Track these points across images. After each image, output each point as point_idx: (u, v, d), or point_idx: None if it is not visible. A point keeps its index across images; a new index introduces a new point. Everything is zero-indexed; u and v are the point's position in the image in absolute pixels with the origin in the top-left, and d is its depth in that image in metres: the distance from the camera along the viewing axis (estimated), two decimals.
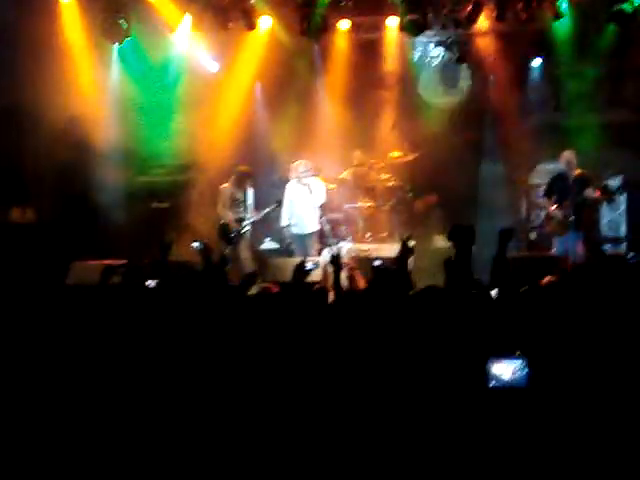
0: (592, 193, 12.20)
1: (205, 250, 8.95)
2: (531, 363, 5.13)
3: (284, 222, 13.29)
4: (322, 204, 13.32)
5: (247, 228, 12.95)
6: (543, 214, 12.98)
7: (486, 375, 5.13)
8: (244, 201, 12.98)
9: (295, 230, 13.26)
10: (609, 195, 12.51)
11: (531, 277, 6.91)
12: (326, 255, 12.15)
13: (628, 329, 5.50)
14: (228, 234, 12.73)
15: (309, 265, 7.31)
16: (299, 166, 13.21)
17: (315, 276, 8.80)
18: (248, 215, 12.93)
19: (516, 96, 14.29)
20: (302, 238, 13.20)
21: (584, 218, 12.42)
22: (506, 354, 5.17)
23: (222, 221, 12.85)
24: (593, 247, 12.35)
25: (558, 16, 13.24)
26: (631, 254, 8.49)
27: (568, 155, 12.45)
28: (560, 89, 14.05)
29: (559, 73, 14.03)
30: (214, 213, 12.98)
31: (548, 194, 12.60)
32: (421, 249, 12.58)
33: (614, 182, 12.99)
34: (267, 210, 12.98)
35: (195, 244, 11.10)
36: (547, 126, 14.09)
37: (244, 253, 12.86)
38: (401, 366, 5.36)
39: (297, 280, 7.11)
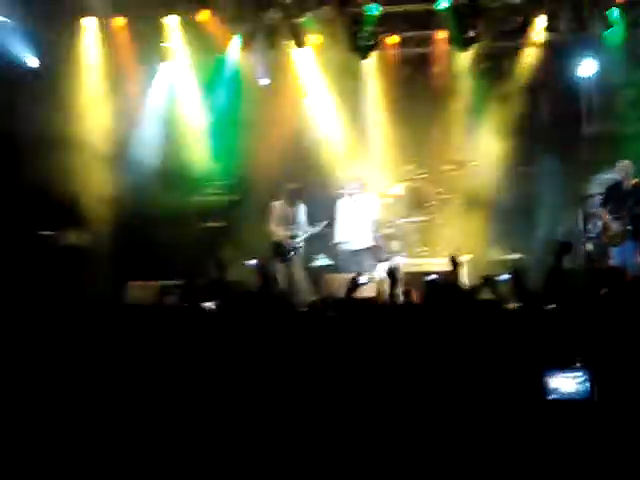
0: None
1: (262, 268, 8.98)
2: (593, 374, 5.05)
3: (337, 239, 13.28)
4: (375, 219, 13.30)
5: (300, 245, 12.96)
6: (600, 224, 12.81)
7: (544, 388, 5.06)
8: (295, 218, 12.99)
9: (348, 246, 13.24)
10: None
11: (589, 289, 6.83)
12: (380, 270, 12.12)
13: None
14: (281, 251, 12.75)
15: (362, 279, 7.30)
16: (351, 182, 13.22)
17: (369, 291, 8.78)
18: (300, 232, 12.94)
19: (569, 106, 14.16)
20: (356, 254, 13.18)
21: None
22: (566, 366, 5.09)
23: (274, 239, 12.89)
24: None
25: (609, 25, 13.13)
26: None
27: (624, 164, 12.32)
28: (615, 98, 13.88)
29: (613, 81, 13.84)
30: (267, 231, 13.03)
31: (604, 204, 12.46)
32: (477, 262, 12.61)
33: None
34: (318, 227, 12.98)
35: (250, 262, 11.18)
36: (603, 136, 13.93)
37: (297, 270, 12.86)
38: (460, 379, 5.31)
39: (350, 295, 7.10)
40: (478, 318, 5.74)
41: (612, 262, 12.17)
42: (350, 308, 6.89)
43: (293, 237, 12.89)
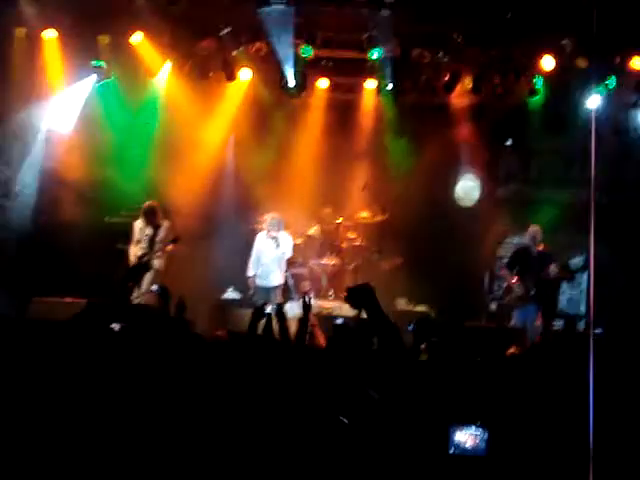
0: (554, 270, 12.36)
1: (163, 294, 8.93)
2: (491, 432, 5.16)
3: (250, 272, 13.29)
4: (288, 258, 13.37)
5: (155, 264, 12.71)
6: (504, 286, 13.11)
7: (448, 442, 5.15)
8: (154, 237, 12.82)
9: (259, 282, 13.26)
10: (570, 274, 12.73)
11: (488, 347, 6.98)
12: (288, 309, 12.15)
13: (578, 402, 5.56)
14: (132, 274, 12.55)
15: (268, 309, 7.33)
16: (268, 218, 13.28)
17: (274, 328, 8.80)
18: (155, 251, 12.71)
19: (487, 166, 14.50)
20: (266, 290, 13.20)
21: (544, 293, 12.58)
22: (467, 422, 5.20)
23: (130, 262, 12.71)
24: (548, 323, 12.54)
25: (533, 92, 13.52)
26: (598, 330, 8.58)
27: (533, 230, 12.65)
28: (531, 163, 14.27)
29: (531, 147, 14.23)
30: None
31: (510, 266, 12.76)
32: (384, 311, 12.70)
33: (576, 260, 13.19)
34: (159, 248, 12.70)
35: (154, 287, 11.07)
36: (516, 199, 14.28)
37: (145, 287, 12.50)
38: (360, 427, 5.35)
39: (253, 328, 7.12)
40: (382, 366, 5.80)
41: (513, 323, 12.44)
42: (253, 344, 6.88)
43: (141, 256, 12.67)
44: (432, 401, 5.51)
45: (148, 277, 12.54)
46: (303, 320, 7.22)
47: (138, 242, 12.84)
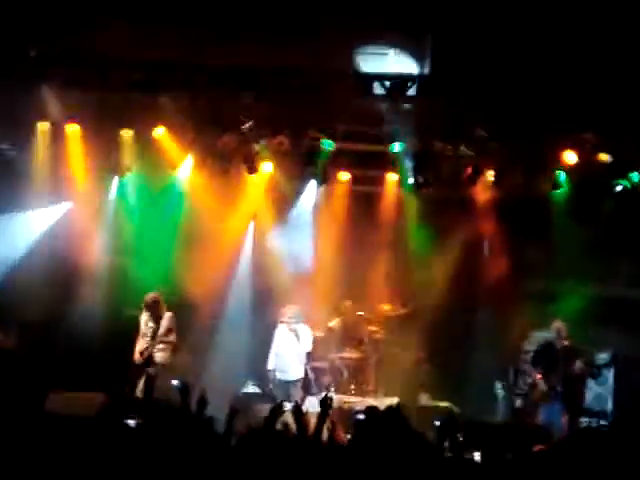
0: (580, 366, 12.22)
1: (184, 390, 8.78)
2: None
3: (270, 366, 13.17)
4: (308, 351, 13.23)
5: (157, 357, 12.60)
6: (529, 381, 12.89)
7: None
8: (157, 329, 12.72)
9: (279, 375, 13.13)
10: (596, 369, 12.58)
11: (513, 445, 6.80)
12: (308, 404, 11.96)
13: None
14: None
15: (287, 406, 7.19)
16: (288, 311, 13.20)
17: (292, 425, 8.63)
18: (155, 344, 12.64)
19: (510, 261, 14.39)
20: (286, 384, 13.06)
21: (570, 390, 12.40)
22: None
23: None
24: (574, 420, 12.32)
25: (556, 186, 13.48)
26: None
27: (558, 325, 12.57)
28: (554, 256, 14.17)
29: (555, 238, 14.14)
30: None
31: (535, 362, 12.61)
32: (406, 406, 12.50)
33: (602, 356, 13.03)
34: (160, 341, 12.63)
35: (175, 382, 10.93)
36: (540, 293, 14.13)
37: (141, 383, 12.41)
38: None
39: (270, 424, 6.94)
40: (407, 464, 5.63)
41: (539, 420, 12.21)
42: (269, 440, 6.69)
43: (143, 351, 12.62)
44: None
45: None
46: (321, 415, 7.05)
47: (144, 335, 12.76)
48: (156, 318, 12.76)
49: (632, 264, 13.91)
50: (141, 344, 12.73)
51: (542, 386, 12.44)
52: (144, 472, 5.59)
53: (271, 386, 13.26)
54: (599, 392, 13.63)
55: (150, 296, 12.86)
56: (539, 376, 12.51)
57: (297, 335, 13.10)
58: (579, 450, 6.47)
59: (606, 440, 7.01)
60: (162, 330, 12.73)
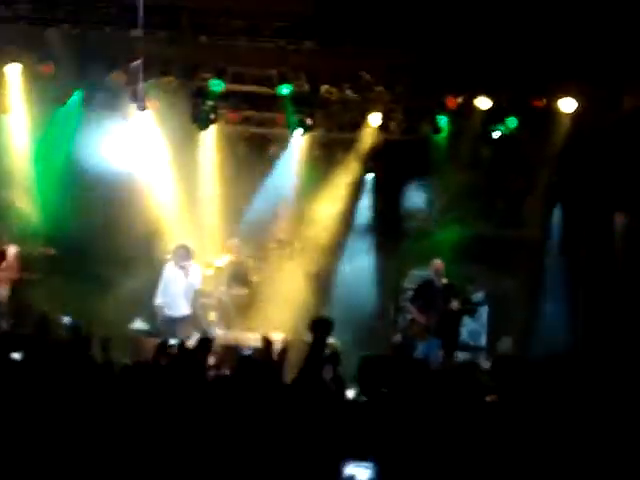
0: (456, 304, 12.74)
1: (75, 327, 8.95)
2: (380, 467, 5.34)
3: (157, 301, 13.31)
4: (196, 289, 13.43)
5: None
6: (408, 318, 13.39)
7: (339, 476, 5.32)
8: None
9: (167, 312, 13.29)
10: (471, 307, 13.13)
11: (389, 378, 7.16)
12: (195, 340, 12.20)
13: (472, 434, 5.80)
14: None
15: (172, 342, 7.42)
16: (178, 249, 13.35)
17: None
18: None
19: (395, 202, 14.83)
20: (173, 321, 13.23)
21: (446, 326, 12.92)
22: (359, 457, 5.38)
23: None
24: (450, 355, 12.85)
25: (437, 131, 13.88)
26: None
27: (437, 264, 13.01)
28: (434, 197, 14.65)
29: (434, 183, 14.60)
30: None
31: (414, 300, 13.07)
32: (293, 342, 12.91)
33: (478, 295, 13.60)
34: None
35: (66, 319, 11.06)
36: (419, 233, 14.60)
37: None
38: (256, 459, 5.47)
39: (156, 360, 7.20)
40: (283, 398, 5.94)
41: (416, 355, 12.70)
42: (157, 374, 6.96)
43: None
44: (328, 434, 5.67)
45: None
46: (200, 353, 7.33)
47: None
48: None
49: (506, 206, 14.49)
50: None
51: (421, 322, 12.90)
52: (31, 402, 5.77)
53: (160, 322, 13.42)
54: (473, 328, 14.26)
55: None
56: (418, 312, 12.96)
57: (186, 272, 13.28)
58: (455, 383, 6.90)
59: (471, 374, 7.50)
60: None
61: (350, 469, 5.31)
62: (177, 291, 13.34)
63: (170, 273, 13.37)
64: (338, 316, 13.49)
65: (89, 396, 6.15)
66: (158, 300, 13.34)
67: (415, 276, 14.03)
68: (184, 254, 13.29)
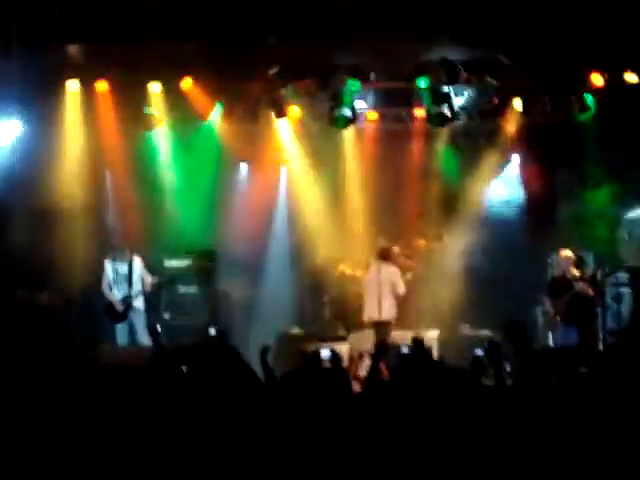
0: (580, 285, 12.29)
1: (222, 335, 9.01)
2: None
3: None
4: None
5: (137, 305, 12.75)
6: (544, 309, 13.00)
7: None
8: (130, 275, 12.79)
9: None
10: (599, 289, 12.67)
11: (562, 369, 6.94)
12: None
13: None
14: (114, 314, 12.65)
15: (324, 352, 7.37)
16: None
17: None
18: (133, 291, 12.74)
19: (544, 186, 14.46)
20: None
21: (577, 311, 12.46)
22: None
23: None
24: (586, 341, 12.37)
25: (585, 109, 13.40)
26: None
27: (565, 254, 12.61)
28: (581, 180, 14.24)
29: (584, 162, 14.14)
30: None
31: (549, 291, 12.69)
32: (447, 337, 12.75)
33: (620, 276, 13.16)
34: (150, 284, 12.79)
35: (212, 330, 11.25)
36: (572, 217, 14.20)
37: (140, 332, 12.64)
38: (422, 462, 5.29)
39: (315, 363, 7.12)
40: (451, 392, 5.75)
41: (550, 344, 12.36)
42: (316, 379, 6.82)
43: (125, 298, 12.67)
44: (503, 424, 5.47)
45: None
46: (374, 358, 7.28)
47: (115, 282, 12.80)
48: (128, 262, 12.80)
49: None
50: (115, 292, 12.78)
51: (552, 313, 12.53)
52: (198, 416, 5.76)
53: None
54: (617, 311, 13.59)
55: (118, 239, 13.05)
56: (550, 303, 12.61)
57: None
58: (621, 370, 6.58)
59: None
60: (138, 274, 12.81)
61: None
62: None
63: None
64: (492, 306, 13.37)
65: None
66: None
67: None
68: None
